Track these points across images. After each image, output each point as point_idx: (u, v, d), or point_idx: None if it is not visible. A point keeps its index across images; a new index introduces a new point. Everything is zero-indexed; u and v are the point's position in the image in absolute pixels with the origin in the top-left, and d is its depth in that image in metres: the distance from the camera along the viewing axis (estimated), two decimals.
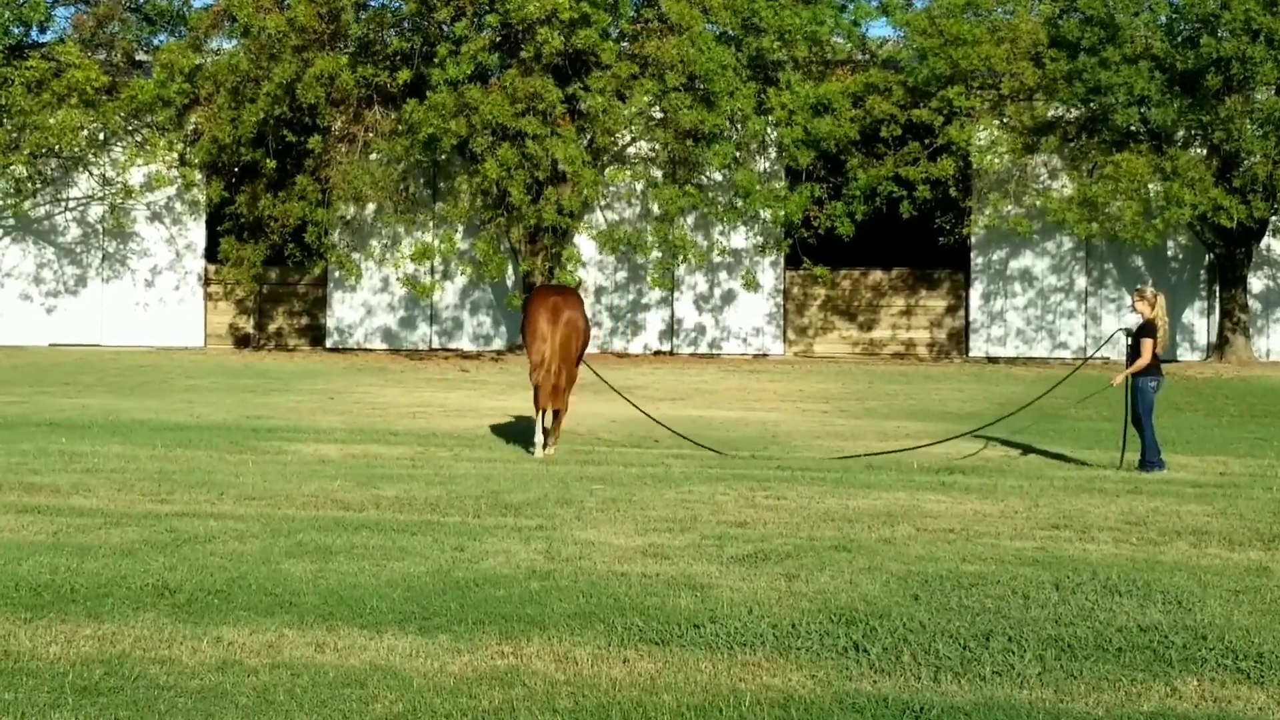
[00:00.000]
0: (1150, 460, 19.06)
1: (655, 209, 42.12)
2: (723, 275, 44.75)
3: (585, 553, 12.46)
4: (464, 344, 45.53)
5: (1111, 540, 13.40)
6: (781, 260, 44.49)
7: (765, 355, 44.51)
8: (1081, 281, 43.63)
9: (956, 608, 10.48)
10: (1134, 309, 19.75)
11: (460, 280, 44.83)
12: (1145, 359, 19.38)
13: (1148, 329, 19.47)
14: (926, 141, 39.92)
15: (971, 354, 43.90)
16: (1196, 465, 19.66)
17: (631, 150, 43.10)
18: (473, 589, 11.00)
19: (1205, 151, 38.73)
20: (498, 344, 45.12)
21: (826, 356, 44.36)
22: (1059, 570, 11.80)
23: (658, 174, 42.08)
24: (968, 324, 44.31)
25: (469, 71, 38.88)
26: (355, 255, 43.93)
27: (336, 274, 44.83)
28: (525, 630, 9.77)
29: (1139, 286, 21.79)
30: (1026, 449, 21.51)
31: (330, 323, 46.15)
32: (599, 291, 45.04)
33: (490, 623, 9.95)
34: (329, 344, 45.81)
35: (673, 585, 11.17)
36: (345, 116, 41.60)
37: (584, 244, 43.31)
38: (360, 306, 46.00)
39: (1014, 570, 11.82)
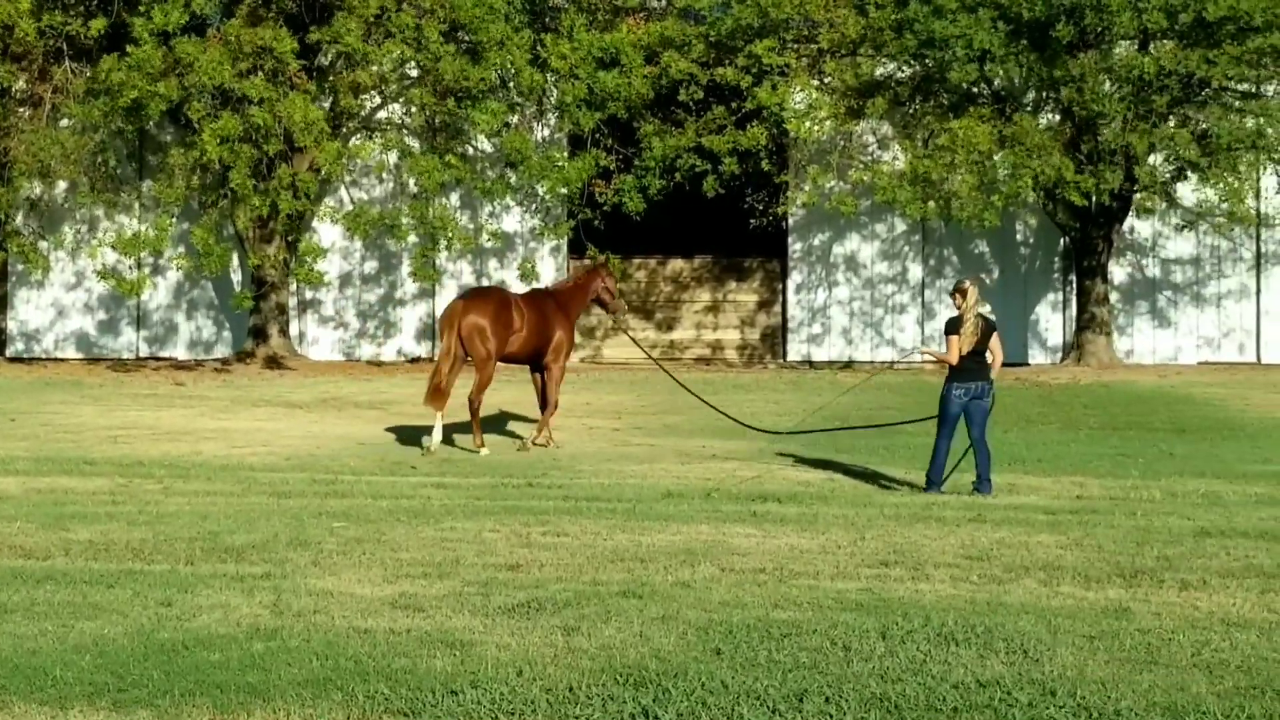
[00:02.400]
0: (933, 479, 19.57)
1: (412, 185, 41.94)
2: (493, 264, 44.72)
3: (321, 605, 12.33)
4: (179, 352, 44.89)
5: (949, 579, 13.63)
6: (564, 246, 44.58)
7: None
8: (917, 270, 44.41)
9: (765, 663, 10.56)
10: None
11: (175, 275, 44.17)
12: (950, 357, 19.71)
13: (952, 325, 19.83)
14: (734, 106, 40.25)
15: (789, 357, 44.41)
16: (1050, 487, 20.09)
17: (383, 115, 42.87)
18: (181, 653, 10.82)
19: (1058, 117, 39.63)
20: (221, 351, 44.55)
21: (618, 362, 44.50)
22: (887, 616, 11.96)
23: (414, 143, 41.91)
24: (785, 322, 44.82)
25: (182, 21, 38.33)
26: (43, 244, 43.07)
27: (19, 267, 43.89)
28: (245, 702, 9.64)
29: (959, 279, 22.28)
30: (853, 471, 21.79)
31: (11, 326, 45.19)
32: (343, 284, 44.72)
33: (202, 694, 9.80)
34: (9, 353, 44.84)
35: (427, 643, 11.10)
36: (28, 75, 40.78)
37: (326, 229, 42.97)
38: (49, 307, 45.11)
39: (834, 617, 11.96)
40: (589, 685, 10.02)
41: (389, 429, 27.56)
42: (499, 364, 25.19)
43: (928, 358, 20.24)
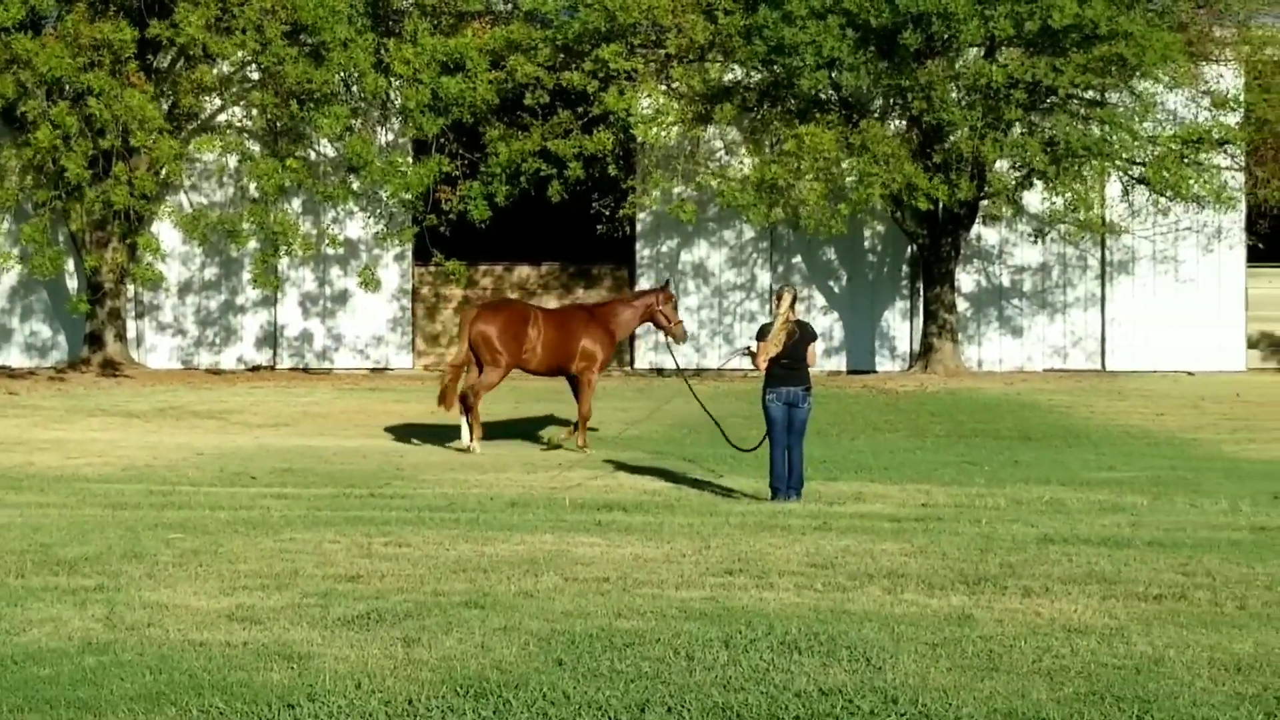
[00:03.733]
0: (776, 488, 19.79)
1: (253, 189, 41.65)
2: (335, 271, 44.49)
3: (156, 618, 12.23)
4: (12, 358, 44.23)
5: (793, 587, 13.74)
6: (408, 253, 44.46)
7: (388, 369, 44.37)
8: (765, 277, 44.67)
9: (608, 673, 10.61)
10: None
11: (7, 278, 43.55)
12: (757, 362, 19.97)
13: (763, 331, 20.07)
14: (580, 110, 40.29)
15: (637, 365, 44.51)
16: (896, 495, 20.31)
17: (223, 118, 42.54)
18: (10, 668, 10.70)
19: (905, 124, 40.02)
20: (57, 357, 43.96)
21: None
22: (731, 624, 12.05)
23: (255, 147, 41.63)
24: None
25: (18, 17, 37.81)
26: None
27: None
28: (76, 718, 9.54)
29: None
30: (699, 480, 21.90)
31: None
32: (183, 291, 44.30)
33: (31, 709, 9.71)
34: None
35: (264, 656, 11.05)
36: None
37: (166, 232, 42.52)
38: None
39: (678, 626, 12.02)
40: (428, 697, 10.02)
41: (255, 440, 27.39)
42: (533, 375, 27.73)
43: (745, 360, 20.62)
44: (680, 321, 27.52)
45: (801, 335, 19.88)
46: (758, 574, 14.32)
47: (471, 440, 25.95)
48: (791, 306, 20.01)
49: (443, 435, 28.52)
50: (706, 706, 9.87)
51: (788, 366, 19.82)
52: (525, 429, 29.37)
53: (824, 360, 40.72)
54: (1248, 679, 10.63)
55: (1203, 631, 11.99)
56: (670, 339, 27.74)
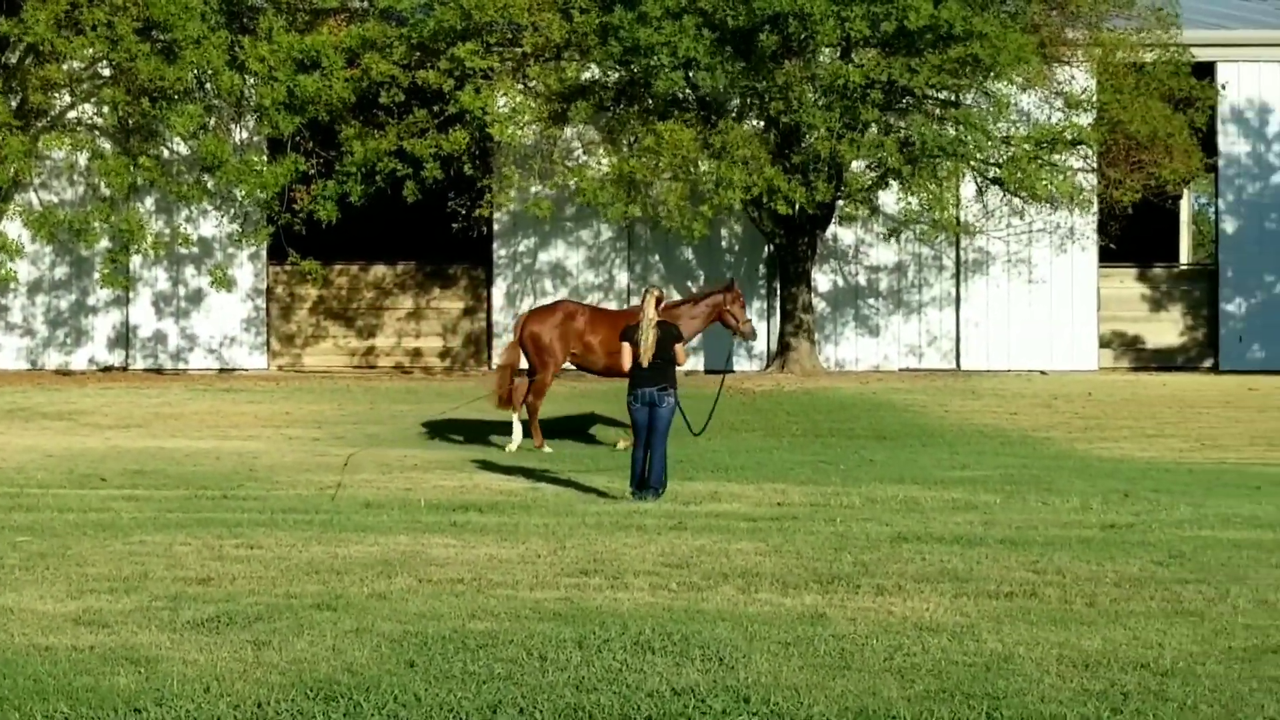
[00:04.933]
0: (634, 487, 19.89)
1: (104, 187, 41.21)
2: (189, 271, 44.09)
3: (0, 623, 12.08)
4: None
5: (648, 586, 13.79)
6: (263, 252, 44.15)
7: (241, 370, 44.03)
8: (623, 277, 44.75)
9: (460, 675, 10.60)
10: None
11: None
12: (622, 364, 20.12)
13: (628, 333, 20.18)
14: (436, 109, 40.14)
15: (494, 365, 44.39)
16: (752, 495, 20.39)
17: (74, 115, 42.03)
18: None
19: (762, 124, 40.18)
20: None
21: (319, 370, 44.20)
22: (584, 625, 12.07)
23: (106, 144, 41.17)
24: (489, 329, 44.86)
25: None
26: None
27: None
28: None
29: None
30: (556, 480, 21.90)
31: None
32: (32, 290, 43.73)
33: None
34: None
35: (111, 660, 10.94)
36: None
37: (14, 230, 41.93)
38: None
39: (532, 627, 12.03)
40: (278, 700, 9.97)
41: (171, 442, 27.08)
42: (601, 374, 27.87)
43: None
44: (749, 320, 27.36)
45: (664, 336, 19.96)
46: (612, 574, 14.35)
47: (539, 442, 26.12)
48: (656, 308, 20.11)
49: (296, 434, 28.35)
50: (559, 707, 9.88)
51: (651, 367, 19.90)
52: (571, 427, 29.57)
53: None
54: (1095, 675, 10.78)
55: (1052, 629, 12.15)
56: (740, 338, 27.82)
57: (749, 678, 10.59)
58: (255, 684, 10.37)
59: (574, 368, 27.99)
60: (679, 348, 20.13)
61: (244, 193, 40.56)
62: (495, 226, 44.00)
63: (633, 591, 13.59)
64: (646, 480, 19.84)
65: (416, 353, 45.37)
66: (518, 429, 26.32)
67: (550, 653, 11.19)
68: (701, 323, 27.26)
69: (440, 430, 29.41)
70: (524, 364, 27.11)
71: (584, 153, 42.63)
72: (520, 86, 40.93)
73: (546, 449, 25.84)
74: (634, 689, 10.28)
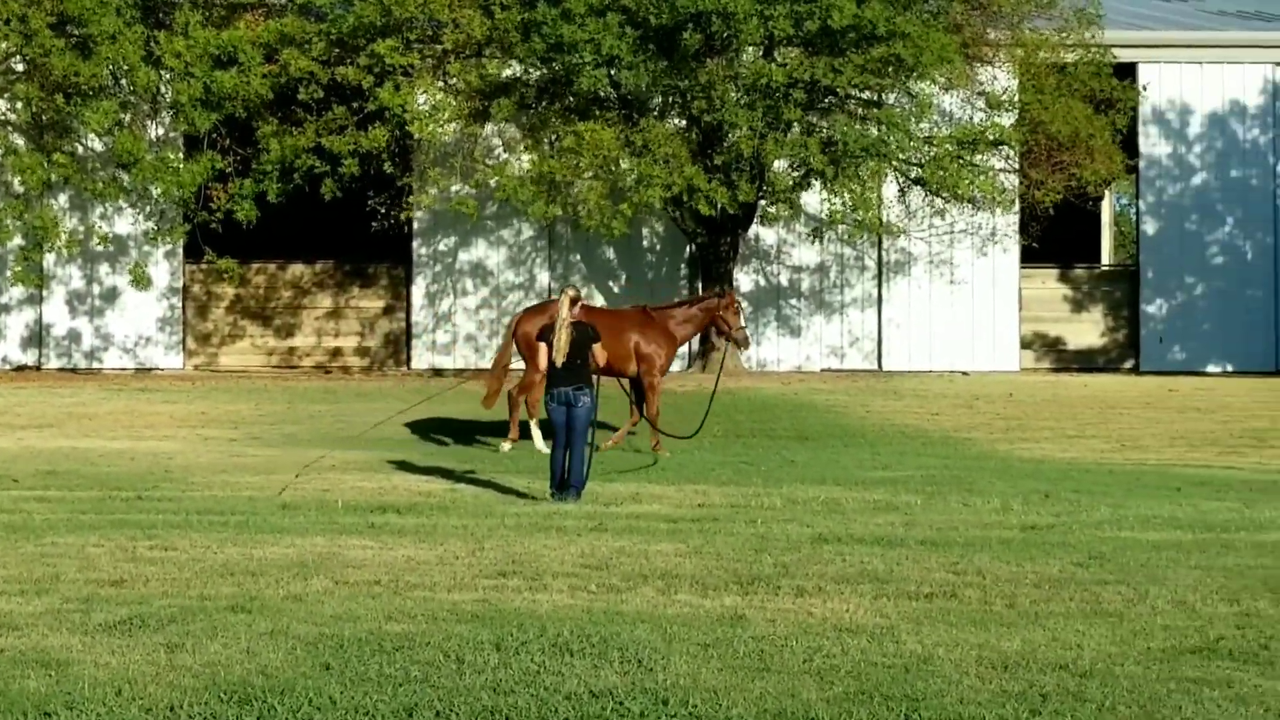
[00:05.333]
0: (553, 488, 19.92)
1: (16, 184, 40.89)
2: (104, 269, 43.80)
3: None
4: None
5: (567, 588, 13.77)
6: (179, 250, 43.90)
7: (157, 370, 43.77)
8: (544, 277, 44.72)
9: (376, 677, 10.56)
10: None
11: None
12: (538, 365, 20.18)
13: (544, 333, 20.24)
14: (355, 106, 39.99)
15: (414, 365, 44.35)
16: (672, 496, 20.40)
17: None
18: None
19: (685, 123, 40.19)
20: None
21: (236, 370, 44.00)
22: (502, 627, 12.04)
23: (20, 141, 40.84)
24: (409, 328, 44.76)
25: None
26: None
27: None
28: None
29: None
30: (475, 481, 21.85)
31: None
32: None
33: None
34: None
35: (20, 663, 10.84)
36: None
37: None
38: None
39: (449, 629, 12.00)
40: (191, 704, 9.90)
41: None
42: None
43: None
44: (743, 328, 27.29)
45: (580, 336, 19.96)
46: (531, 576, 14.33)
47: (514, 435, 26.36)
48: (572, 307, 20.11)
49: (212, 434, 28.20)
50: (476, 710, 9.86)
51: (566, 368, 19.92)
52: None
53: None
54: (1014, 676, 10.83)
55: (972, 630, 12.20)
56: (733, 345, 27.70)
57: (667, 680, 10.58)
58: (168, 687, 10.29)
59: None
60: (596, 349, 20.15)
61: (160, 190, 40.33)
62: (415, 225, 43.89)
63: (551, 593, 13.57)
64: (567, 481, 19.84)
65: (335, 352, 45.22)
66: (536, 432, 26.18)
67: (467, 655, 11.16)
68: (693, 328, 27.48)
69: (358, 432, 29.32)
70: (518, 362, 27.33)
71: (505, 151, 42.55)
72: (441, 84, 40.81)
73: (506, 446, 25.96)
74: (552, 691, 10.26)
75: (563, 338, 19.85)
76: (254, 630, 11.88)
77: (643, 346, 26.58)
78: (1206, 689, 10.54)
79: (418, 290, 44.69)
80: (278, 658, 11.07)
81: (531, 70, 40.10)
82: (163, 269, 43.89)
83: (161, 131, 42.60)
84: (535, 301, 43.48)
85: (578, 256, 44.78)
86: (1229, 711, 10.06)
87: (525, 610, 12.79)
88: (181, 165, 40.26)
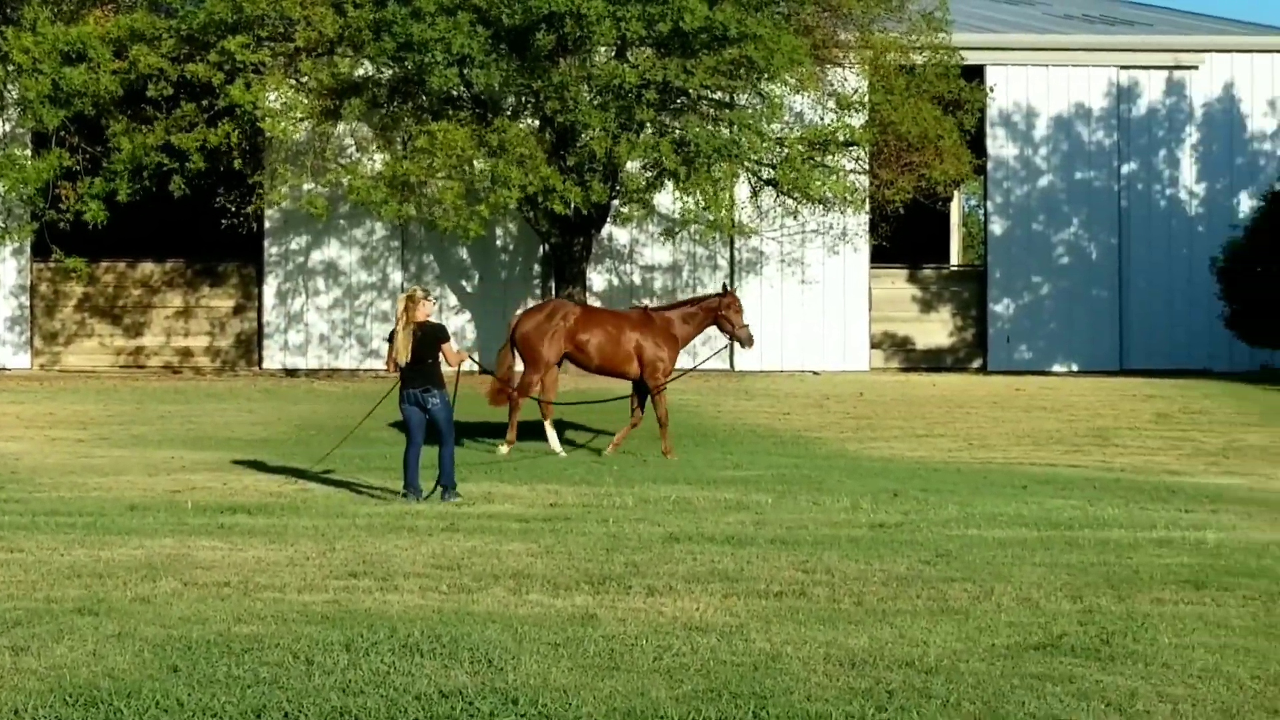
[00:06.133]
0: (408, 488, 19.96)
1: None
2: None
3: None
4: None
5: (418, 589, 13.74)
6: (27, 249, 43.35)
7: (4, 369, 43.21)
8: (397, 276, 44.58)
9: (224, 679, 10.49)
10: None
11: None
12: (388, 367, 20.29)
13: (392, 334, 20.28)
14: (205, 103, 39.62)
15: (265, 365, 44.07)
16: (525, 495, 20.39)
17: None
18: None
19: (538, 124, 40.16)
20: None
21: (84, 370, 43.53)
22: (352, 628, 12.00)
23: None
24: (261, 329, 44.47)
25: None
26: None
27: None
28: None
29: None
30: (327, 481, 21.75)
31: None
32: None
33: None
34: None
35: None
36: None
37: None
38: None
39: (298, 630, 11.94)
40: (36, 707, 9.80)
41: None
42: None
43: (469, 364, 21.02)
44: (746, 326, 27.07)
45: (426, 336, 19.95)
46: (382, 576, 14.29)
47: (511, 437, 26.28)
48: (415, 308, 20.09)
49: (59, 435, 27.87)
50: (324, 711, 9.82)
51: (415, 369, 19.92)
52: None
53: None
54: (861, 673, 10.93)
55: (820, 628, 12.30)
56: (738, 343, 27.41)
57: (517, 679, 10.59)
58: (13, 690, 10.18)
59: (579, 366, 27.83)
60: (447, 348, 20.15)
61: (6, 187, 39.77)
62: (267, 224, 43.61)
63: (402, 594, 13.54)
64: (423, 481, 19.85)
65: (186, 352, 44.83)
66: (552, 435, 26.28)
67: (317, 656, 11.12)
68: (695, 327, 27.16)
69: (207, 432, 29.09)
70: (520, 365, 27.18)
71: (357, 150, 42.33)
72: (292, 82, 40.52)
73: (504, 450, 25.81)
74: (401, 692, 10.24)
75: (405, 339, 19.86)
76: (101, 633, 11.77)
77: (646, 348, 26.57)
78: (1049, 684, 10.69)
79: (269, 290, 44.40)
80: (125, 660, 10.97)
81: (383, 69, 39.90)
82: (9, 267, 43.34)
83: (8, 128, 42.05)
84: (390, 303, 43.35)
85: (431, 257, 44.66)
86: (1070, 706, 10.22)
87: (376, 611, 12.76)
88: (29, 163, 39.72)
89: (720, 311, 26.78)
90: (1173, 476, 25.05)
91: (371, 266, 44.60)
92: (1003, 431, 31.28)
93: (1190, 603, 13.65)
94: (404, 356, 19.86)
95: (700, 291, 44.74)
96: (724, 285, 28.78)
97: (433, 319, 20.42)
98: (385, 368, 20.73)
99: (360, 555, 15.41)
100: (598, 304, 44.01)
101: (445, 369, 20.36)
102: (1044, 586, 14.11)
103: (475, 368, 26.12)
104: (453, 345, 20.57)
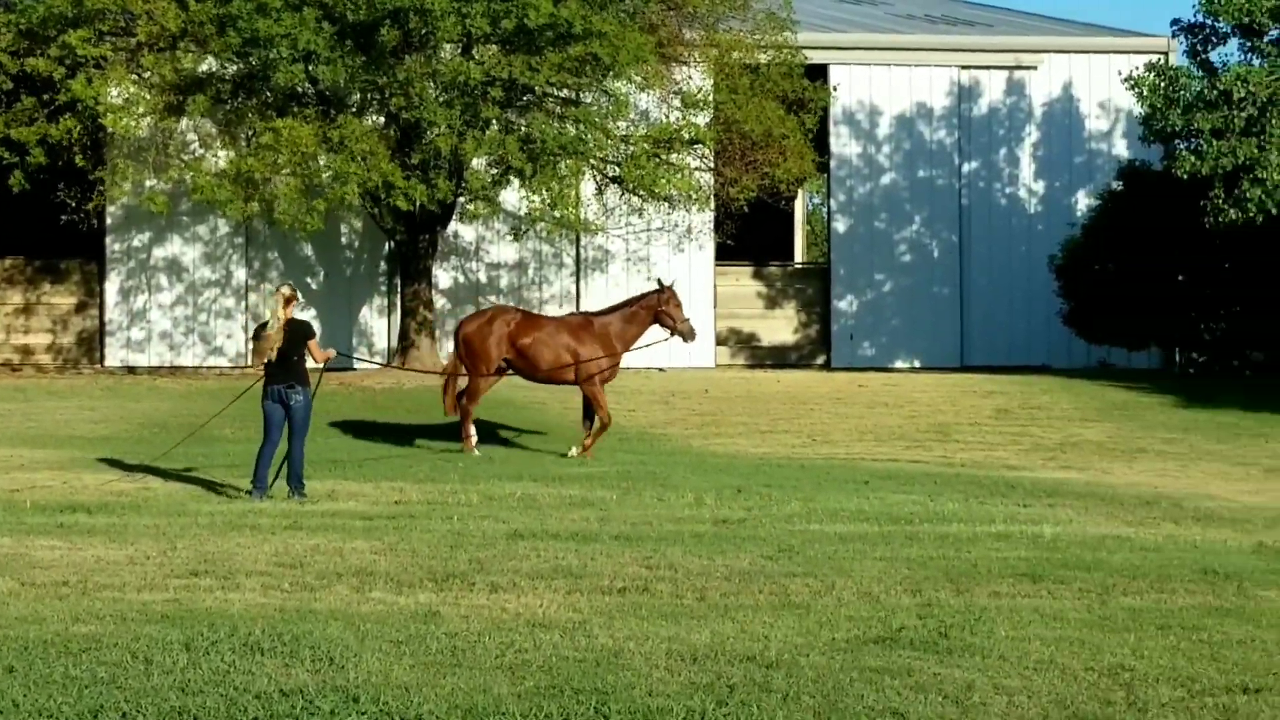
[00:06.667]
0: (256, 485, 19.90)
1: None
2: None
3: None
4: None
5: (260, 587, 13.66)
6: None
7: None
8: (241, 274, 44.20)
9: (62, 680, 10.37)
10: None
11: None
12: (257, 364, 20.21)
13: (258, 331, 20.25)
14: (46, 98, 39.02)
15: (107, 363, 43.55)
16: (369, 493, 20.33)
17: None
18: None
19: (383, 120, 39.95)
20: None
21: None
22: (192, 627, 11.90)
23: None
24: (103, 326, 43.92)
25: None
26: None
27: None
28: None
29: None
30: (170, 478, 21.54)
31: None
32: None
33: None
34: None
35: None
36: None
37: None
38: None
39: (138, 629, 11.83)
40: None
41: None
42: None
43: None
44: (687, 320, 26.91)
45: (292, 333, 19.89)
46: (224, 575, 14.19)
47: (468, 444, 25.98)
48: (286, 305, 20.02)
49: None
50: (163, 711, 9.74)
51: (281, 365, 19.85)
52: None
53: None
54: (703, 668, 10.99)
55: (662, 623, 12.35)
56: (680, 338, 27.30)
57: (359, 677, 10.56)
58: None
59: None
60: (314, 345, 20.14)
61: None
62: (109, 220, 43.08)
63: (244, 592, 13.46)
64: (266, 480, 19.76)
65: (26, 349, 44.16)
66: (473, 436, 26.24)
67: (156, 656, 11.02)
68: (639, 326, 27.07)
69: (46, 431, 28.73)
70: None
71: (201, 146, 41.87)
72: (135, 77, 40.00)
73: (475, 453, 25.59)
74: (241, 691, 10.17)
75: (275, 335, 19.77)
76: None
77: (584, 352, 26.62)
78: (888, 678, 10.80)
79: (111, 287, 43.86)
80: None
81: (227, 65, 39.52)
82: None
83: None
84: (233, 300, 43.01)
85: (275, 254, 44.31)
86: (908, 699, 10.33)
87: (217, 610, 12.67)
88: None
89: (660, 308, 26.78)
90: (1011, 471, 25.37)
91: (215, 263, 44.18)
92: (846, 427, 31.53)
93: (1027, 595, 13.84)
94: (274, 353, 19.77)
95: (546, 290, 44.78)
96: (659, 281, 28.68)
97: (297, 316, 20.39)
98: (253, 364, 20.68)
99: (202, 554, 15.30)
100: (443, 302, 43.91)
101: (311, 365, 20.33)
102: (884, 581, 14.26)
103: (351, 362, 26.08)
104: (319, 343, 20.56)
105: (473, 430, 26.20)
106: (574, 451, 26.00)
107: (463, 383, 26.83)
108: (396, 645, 11.46)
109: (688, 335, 27.00)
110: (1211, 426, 31.75)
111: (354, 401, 33.69)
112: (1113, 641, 12.05)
